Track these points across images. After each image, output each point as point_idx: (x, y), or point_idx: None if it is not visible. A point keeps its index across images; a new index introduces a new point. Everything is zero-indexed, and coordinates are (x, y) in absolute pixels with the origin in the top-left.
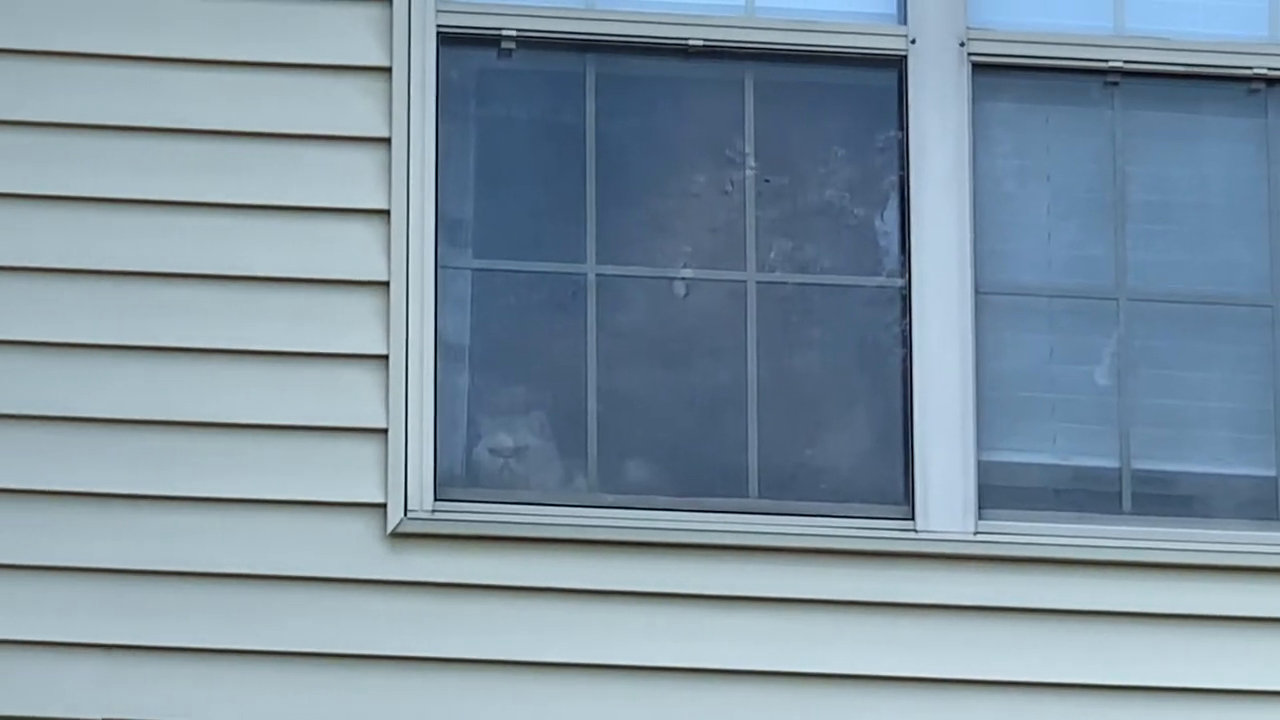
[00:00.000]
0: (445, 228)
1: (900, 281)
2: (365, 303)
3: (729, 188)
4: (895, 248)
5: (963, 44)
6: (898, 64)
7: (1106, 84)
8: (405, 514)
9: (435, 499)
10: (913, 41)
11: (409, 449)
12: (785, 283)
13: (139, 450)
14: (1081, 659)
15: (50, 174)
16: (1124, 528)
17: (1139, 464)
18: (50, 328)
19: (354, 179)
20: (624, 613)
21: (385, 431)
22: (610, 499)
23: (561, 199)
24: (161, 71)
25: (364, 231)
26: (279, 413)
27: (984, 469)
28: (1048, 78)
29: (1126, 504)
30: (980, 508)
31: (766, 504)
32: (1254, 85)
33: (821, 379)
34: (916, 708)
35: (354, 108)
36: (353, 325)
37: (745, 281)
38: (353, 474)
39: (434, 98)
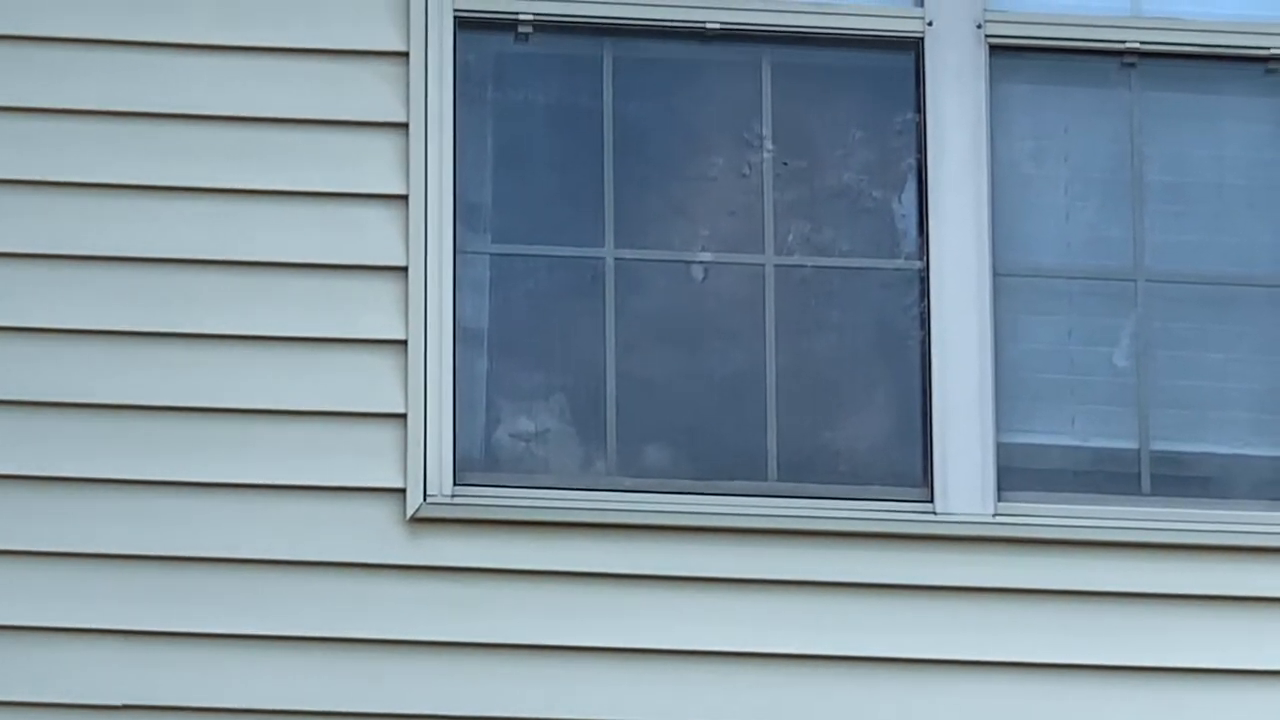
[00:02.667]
0: (463, 212)
1: (918, 264)
2: (384, 288)
3: (747, 171)
4: (913, 230)
5: (979, 26)
6: (915, 46)
7: (1123, 65)
8: (424, 499)
9: (454, 483)
10: (930, 24)
11: (428, 434)
12: (803, 266)
13: (158, 436)
14: (1101, 641)
15: (67, 160)
16: (1143, 509)
17: (1158, 445)
18: (69, 314)
19: (372, 164)
20: (643, 596)
21: (404, 416)
22: (629, 483)
23: (579, 183)
24: (178, 57)
25: (382, 216)
26: (298, 398)
27: (1003, 451)
28: (1065, 59)
29: (1145, 485)
30: (999, 490)
31: (785, 487)
32: (1271, 65)
33: (840, 362)
34: (937, 690)
35: (371, 92)
36: (371, 310)
37: (763, 265)
38: (372, 459)
39: (451, 82)
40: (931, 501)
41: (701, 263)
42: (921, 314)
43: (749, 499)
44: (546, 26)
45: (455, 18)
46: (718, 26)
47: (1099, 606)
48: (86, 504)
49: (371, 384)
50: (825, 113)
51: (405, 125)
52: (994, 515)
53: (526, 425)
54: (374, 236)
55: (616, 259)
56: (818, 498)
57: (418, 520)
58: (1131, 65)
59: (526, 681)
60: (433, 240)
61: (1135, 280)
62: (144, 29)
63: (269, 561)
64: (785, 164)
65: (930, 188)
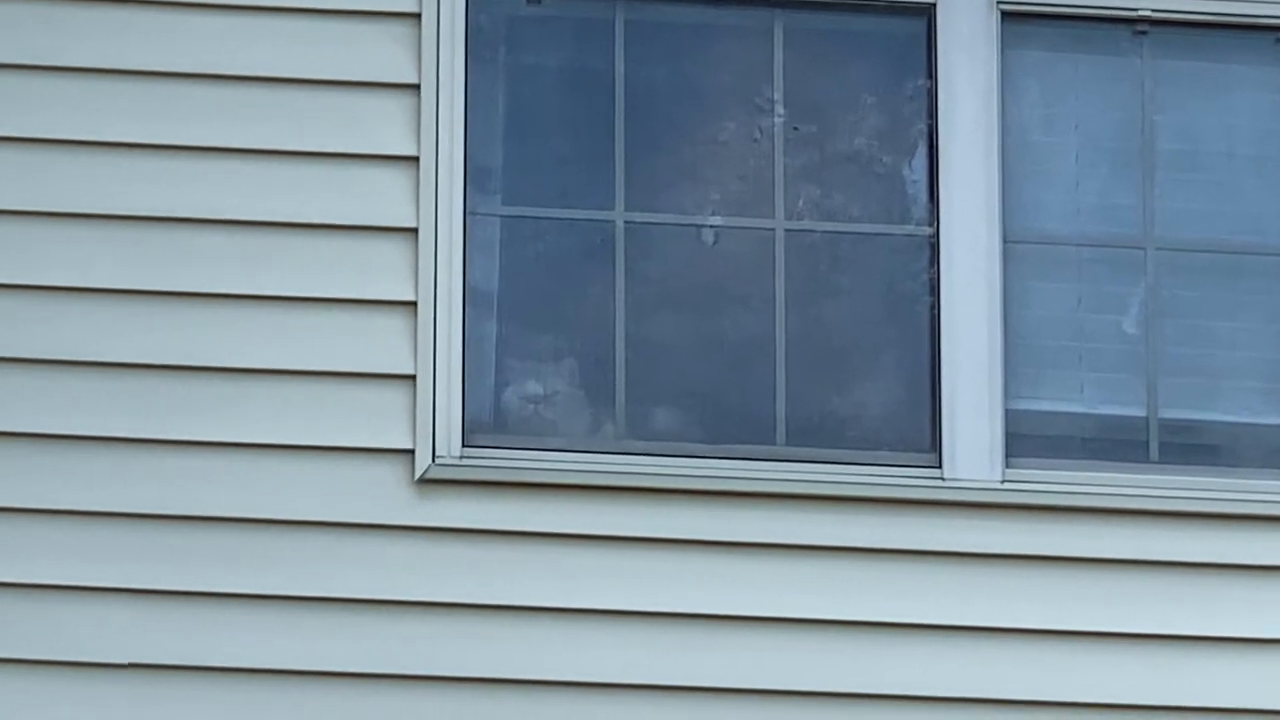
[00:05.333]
0: (474, 174)
1: (928, 230)
2: (394, 249)
3: (758, 135)
4: (923, 196)
5: None
6: (927, 11)
7: (1135, 33)
8: (433, 460)
9: (463, 445)
10: None
11: (437, 395)
12: (813, 231)
13: (166, 395)
14: (1108, 607)
15: (80, 119)
16: (1151, 476)
17: (1166, 413)
18: (77, 273)
19: (383, 125)
20: (651, 559)
21: (413, 378)
22: (638, 446)
23: (590, 146)
24: (190, 17)
25: (393, 178)
26: (307, 358)
27: (1011, 417)
28: (1077, 26)
29: (1153, 453)
30: (1007, 456)
31: (794, 451)
32: None
33: (849, 327)
34: (942, 654)
35: (383, 54)
36: (381, 271)
37: (774, 229)
38: (381, 420)
39: (463, 44)
40: (940, 467)
41: (712, 226)
42: (931, 280)
43: (757, 463)
44: None
45: None
46: None
47: (1106, 573)
48: (94, 463)
49: (381, 345)
50: (836, 78)
51: (417, 87)
52: (1002, 481)
53: (535, 387)
54: (384, 198)
55: (626, 222)
56: (826, 462)
57: (426, 481)
58: (1143, 33)
59: (533, 644)
60: (443, 202)
61: (1145, 248)
62: None
63: (277, 521)
64: (796, 129)
65: (941, 154)
